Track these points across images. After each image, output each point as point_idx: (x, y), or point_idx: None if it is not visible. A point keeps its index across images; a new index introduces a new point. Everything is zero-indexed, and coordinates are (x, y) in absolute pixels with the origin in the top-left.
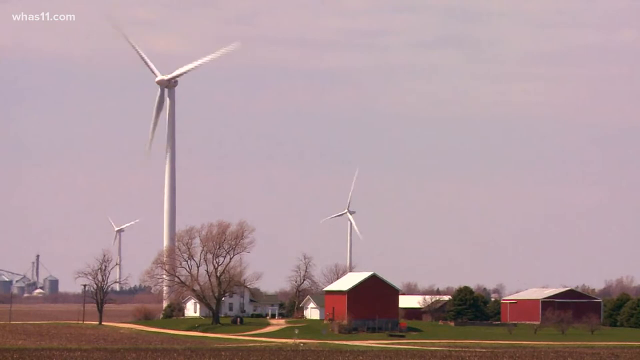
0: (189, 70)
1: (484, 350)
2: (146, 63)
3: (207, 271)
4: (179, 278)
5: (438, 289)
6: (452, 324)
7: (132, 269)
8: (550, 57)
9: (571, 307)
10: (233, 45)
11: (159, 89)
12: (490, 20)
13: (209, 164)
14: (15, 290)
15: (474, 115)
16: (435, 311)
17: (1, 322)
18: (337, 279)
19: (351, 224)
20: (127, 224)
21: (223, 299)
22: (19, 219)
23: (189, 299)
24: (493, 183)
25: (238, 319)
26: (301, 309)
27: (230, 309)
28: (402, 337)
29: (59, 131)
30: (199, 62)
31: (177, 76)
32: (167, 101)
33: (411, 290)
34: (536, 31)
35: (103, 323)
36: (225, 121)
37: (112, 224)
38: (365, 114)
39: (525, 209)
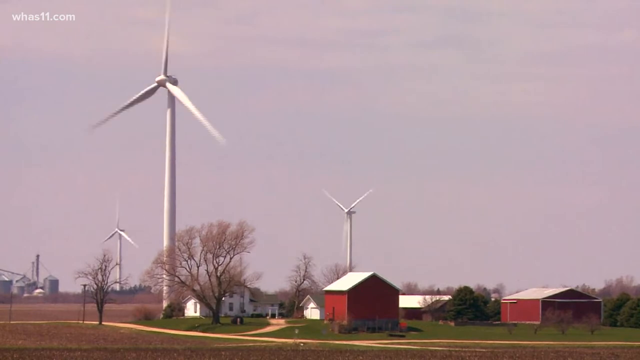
0: (183, 102)
1: (484, 350)
2: (165, 61)
3: (207, 271)
4: (179, 278)
5: (438, 289)
6: (452, 324)
7: (132, 269)
8: (550, 57)
9: (571, 307)
10: (221, 139)
11: (155, 85)
12: (490, 20)
13: (209, 163)
14: (15, 290)
15: (474, 115)
16: (435, 311)
17: (1, 322)
18: (337, 279)
19: (350, 224)
20: (126, 236)
21: (223, 299)
22: (19, 219)
23: (189, 299)
24: (493, 183)
25: (238, 319)
26: (301, 309)
27: (231, 308)
28: (402, 337)
29: (59, 131)
30: (194, 109)
31: (173, 96)
32: (168, 103)
33: (411, 290)
34: (536, 31)
35: (103, 323)
36: (225, 121)
37: (116, 221)
38: (365, 114)
39: (525, 209)
